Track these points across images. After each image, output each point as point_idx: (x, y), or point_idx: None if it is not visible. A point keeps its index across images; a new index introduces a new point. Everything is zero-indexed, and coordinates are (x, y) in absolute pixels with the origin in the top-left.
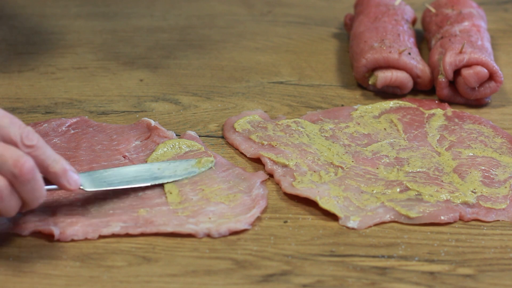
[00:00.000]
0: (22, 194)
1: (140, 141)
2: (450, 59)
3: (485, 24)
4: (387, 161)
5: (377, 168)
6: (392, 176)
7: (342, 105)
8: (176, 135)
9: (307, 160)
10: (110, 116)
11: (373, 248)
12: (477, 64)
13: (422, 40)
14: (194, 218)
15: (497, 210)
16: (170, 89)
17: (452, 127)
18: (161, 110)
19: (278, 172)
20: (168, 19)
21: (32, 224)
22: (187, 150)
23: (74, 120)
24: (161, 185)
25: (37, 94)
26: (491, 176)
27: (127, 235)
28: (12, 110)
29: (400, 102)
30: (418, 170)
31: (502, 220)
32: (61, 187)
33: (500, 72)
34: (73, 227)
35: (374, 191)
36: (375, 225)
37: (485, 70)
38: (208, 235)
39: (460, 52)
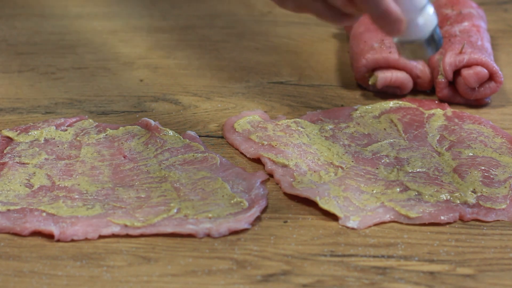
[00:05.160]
0: None
1: (140, 141)
2: (450, 60)
3: (485, 24)
4: (387, 161)
5: (377, 168)
6: (392, 176)
7: (342, 105)
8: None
9: (307, 160)
10: (110, 116)
11: (373, 248)
12: (477, 64)
13: None
14: (194, 218)
15: (497, 210)
16: (170, 89)
17: (452, 127)
18: (161, 110)
19: (278, 172)
20: (168, 19)
21: (32, 224)
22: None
23: (74, 120)
24: (160, 186)
25: (37, 94)
26: (491, 176)
27: (127, 235)
28: (12, 110)
29: (400, 102)
30: (418, 170)
31: (502, 220)
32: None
33: (500, 72)
34: (73, 227)
35: (374, 191)
36: (375, 225)
37: (485, 71)
38: (208, 235)
39: (460, 53)
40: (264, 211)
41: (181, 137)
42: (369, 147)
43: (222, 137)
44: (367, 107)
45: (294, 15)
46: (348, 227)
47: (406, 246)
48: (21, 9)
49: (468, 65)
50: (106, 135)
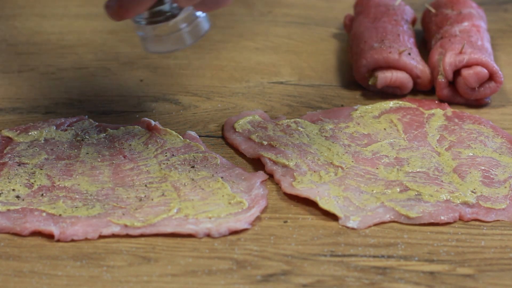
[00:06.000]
0: None
1: (140, 141)
2: (450, 60)
3: (485, 24)
4: (387, 161)
5: (377, 168)
6: (392, 176)
7: (342, 105)
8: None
9: (307, 160)
10: (110, 116)
11: (373, 248)
12: (477, 64)
13: (422, 40)
14: (194, 218)
15: (497, 210)
16: (170, 89)
17: (452, 127)
18: (161, 110)
19: (278, 172)
20: None
21: (32, 224)
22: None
23: (74, 119)
24: (160, 186)
25: (37, 94)
26: (491, 176)
27: (127, 235)
28: (12, 110)
29: (400, 102)
30: (418, 170)
31: (502, 220)
32: None
33: (500, 72)
34: (73, 227)
35: (374, 191)
36: (375, 225)
37: (485, 71)
38: (208, 235)
39: (460, 53)
40: (264, 211)
41: (181, 137)
42: (369, 147)
43: (222, 137)
44: (367, 107)
45: (294, 15)
46: (348, 227)
47: (406, 246)
48: (21, 9)
49: (468, 65)
50: (106, 135)
